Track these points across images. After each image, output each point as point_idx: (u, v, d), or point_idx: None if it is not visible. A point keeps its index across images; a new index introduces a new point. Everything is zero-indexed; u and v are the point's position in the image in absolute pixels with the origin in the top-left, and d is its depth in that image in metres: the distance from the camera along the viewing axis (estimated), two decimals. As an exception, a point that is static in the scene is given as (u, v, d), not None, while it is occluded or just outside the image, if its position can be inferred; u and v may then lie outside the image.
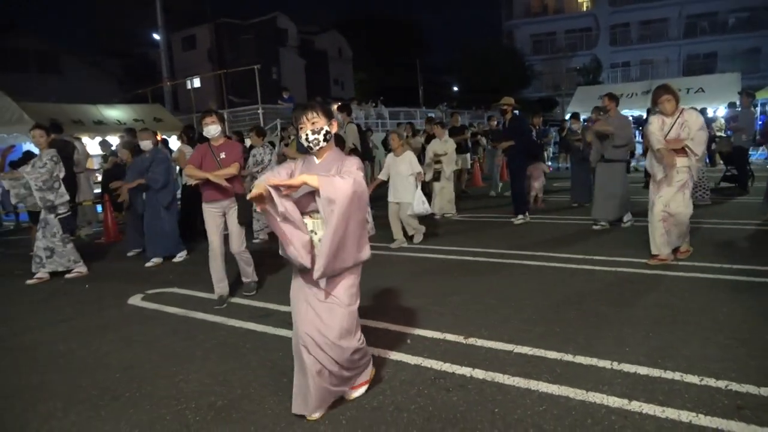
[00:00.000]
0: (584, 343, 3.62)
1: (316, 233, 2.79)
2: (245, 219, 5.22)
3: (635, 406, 2.79)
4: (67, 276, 6.63)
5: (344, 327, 2.82)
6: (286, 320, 4.48)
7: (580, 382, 3.07)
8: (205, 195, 5.11)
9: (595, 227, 7.56)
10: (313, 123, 2.87)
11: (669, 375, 3.10)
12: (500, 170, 12.68)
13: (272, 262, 6.81)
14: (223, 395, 3.21)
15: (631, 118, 10.12)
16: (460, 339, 3.84)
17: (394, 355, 3.61)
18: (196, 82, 30.42)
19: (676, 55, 35.44)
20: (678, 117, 5.35)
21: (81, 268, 6.74)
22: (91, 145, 12.92)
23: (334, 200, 2.57)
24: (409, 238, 7.34)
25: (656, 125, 5.44)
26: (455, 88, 42.42)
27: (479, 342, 3.77)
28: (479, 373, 3.27)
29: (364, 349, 3.01)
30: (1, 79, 20.39)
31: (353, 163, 2.84)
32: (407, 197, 7.00)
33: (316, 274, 2.69)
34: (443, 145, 9.45)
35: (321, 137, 2.88)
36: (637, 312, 4.19)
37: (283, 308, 4.81)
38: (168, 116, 16.02)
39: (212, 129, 5.16)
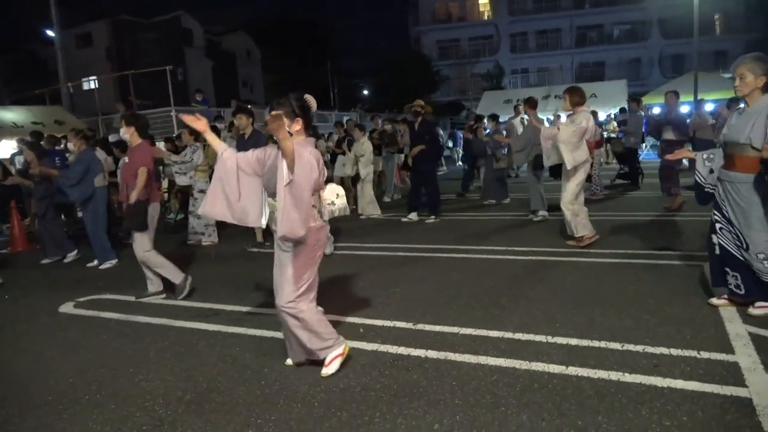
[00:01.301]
0: (520, 322, 4.03)
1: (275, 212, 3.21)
2: (136, 225, 5.12)
3: (572, 371, 3.20)
4: None
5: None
6: (235, 318, 4.58)
7: (523, 355, 3.45)
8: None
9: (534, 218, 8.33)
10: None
11: (596, 344, 3.56)
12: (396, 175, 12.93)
13: (211, 264, 6.80)
14: (190, 390, 3.27)
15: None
16: (409, 325, 4.12)
17: (351, 343, 3.79)
18: (93, 83, 28.75)
19: (569, 63, 38.20)
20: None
21: None
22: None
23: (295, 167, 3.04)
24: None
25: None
26: (366, 92, 43.08)
27: (427, 327, 4.07)
28: (433, 354, 3.57)
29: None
30: None
31: (308, 151, 3.18)
32: None
33: (281, 232, 3.10)
34: (359, 147, 9.75)
35: None
36: (560, 293, 4.68)
37: (229, 307, 4.86)
38: (71, 119, 15.09)
39: (123, 133, 5.38)
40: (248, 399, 3.10)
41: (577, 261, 5.73)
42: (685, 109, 16.76)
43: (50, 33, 20.19)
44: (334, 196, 3.46)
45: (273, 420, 2.86)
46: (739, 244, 3.87)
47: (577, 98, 6.28)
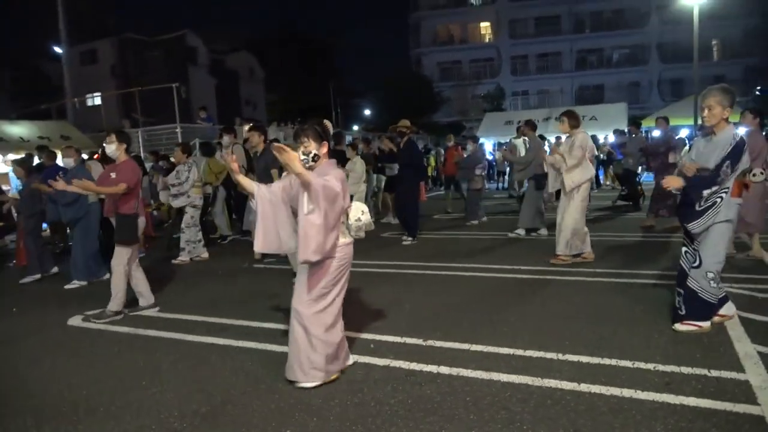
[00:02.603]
0: (530, 339, 4.06)
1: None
2: (127, 237, 5.22)
3: (584, 387, 3.23)
4: None
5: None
6: (244, 332, 4.60)
7: (535, 371, 3.48)
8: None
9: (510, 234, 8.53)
10: (305, 146, 3.39)
11: (606, 361, 3.59)
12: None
13: (217, 280, 6.82)
14: (205, 402, 3.29)
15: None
16: (419, 341, 4.15)
17: (363, 359, 3.84)
18: (98, 100, 28.98)
19: (570, 85, 38.61)
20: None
21: None
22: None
23: (317, 197, 3.19)
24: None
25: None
26: (367, 111, 43.41)
27: (438, 343, 4.10)
28: (445, 369, 3.59)
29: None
30: None
31: (332, 174, 3.32)
32: None
33: (302, 258, 3.30)
34: (351, 165, 9.82)
35: (310, 158, 3.39)
36: (569, 311, 4.72)
37: (237, 322, 4.88)
38: (76, 134, 15.17)
39: (108, 149, 5.39)
40: (263, 412, 3.12)
41: (583, 280, 5.77)
42: (684, 132, 17.03)
43: (57, 49, 20.44)
44: (360, 213, 3.56)
45: (289, 433, 2.88)
46: (692, 260, 4.04)
47: (574, 121, 6.53)
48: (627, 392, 3.13)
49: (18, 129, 14.13)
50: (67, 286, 6.75)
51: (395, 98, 35.07)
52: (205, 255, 8.20)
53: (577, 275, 5.99)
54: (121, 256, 5.22)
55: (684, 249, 4.18)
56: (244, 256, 8.00)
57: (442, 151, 22.36)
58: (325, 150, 3.45)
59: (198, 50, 39.12)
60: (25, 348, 4.55)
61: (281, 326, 4.65)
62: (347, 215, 3.50)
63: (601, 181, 17.53)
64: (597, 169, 15.78)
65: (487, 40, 41.89)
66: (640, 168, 12.18)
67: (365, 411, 3.08)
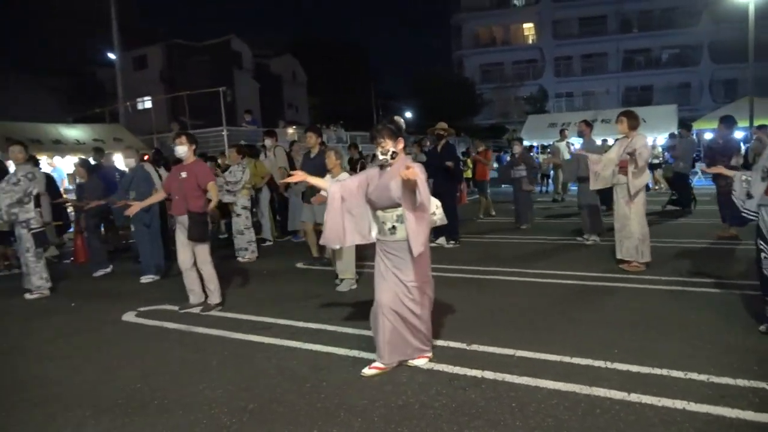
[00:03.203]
0: (576, 347, 3.98)
1: (386, 223, 3.62)
2: (199, 235, 5.37)
3: (634, 397, 3.15)
4: (27, 297, 6.44)
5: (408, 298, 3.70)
6: (289, 332, 4.67)
7: (582, 379, 3.42)
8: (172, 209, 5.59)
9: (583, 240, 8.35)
10: (382, 146, 3.59)
11: (657, 371, 3.49)
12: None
13: (263, 280, 6.95)
14: (252, 400, 3.36)
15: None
16: (463, 345, 4.13)
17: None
18: (147, 103, 29.98)
19: (615, 87, 37.68)
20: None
21: (44, 290, 6.56)
22: (63, 163, 12.74)
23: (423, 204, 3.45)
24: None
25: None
26: (408, 114, 43.42)
27: (482, 348, 4.07)
28: (489, 374, 3.57)
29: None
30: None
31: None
32: None
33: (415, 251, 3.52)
34: None
35: (388, 156, 3.60)
36: (615, 318, 4.61)
37: (281, 321, 4.97)
38: (128, 136, 15.74)
39: (179, 150, 5.52)
40: (309, 411, 3.17)
41: (632, 287, 5.63)
42: (739, 135, 16.38)
43: (111, 56, 21.25)
44: (435, 207, 3.83)
45: (335, 432, 2.92)
46: None
47: (633, 121, 6.32)
48: (679, 404, 3.04)
49: (74, 132, 14.78)
50: (143, 280, 7.14)
51: (436, 101, 34.98)
52: (254, 255, 8.41)
53: (629, 282, 5.83)
54: (204, 252, 5.43)
55: (763, 255, 4.00)
56: (289, 257, 8.13)
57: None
58: (401, 146, 3.62)
59: (243, 55, 39.95)
60: (82, 342, 4.74)
61: (324, 327, 4.72)
62: None
63: (650, 185, 17.03)
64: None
65: (530, 42, 41.34)
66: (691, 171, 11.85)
67: (409, 413, 3.09)
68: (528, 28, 41.60)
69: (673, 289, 5.44)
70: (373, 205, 3.67)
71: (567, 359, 3.76)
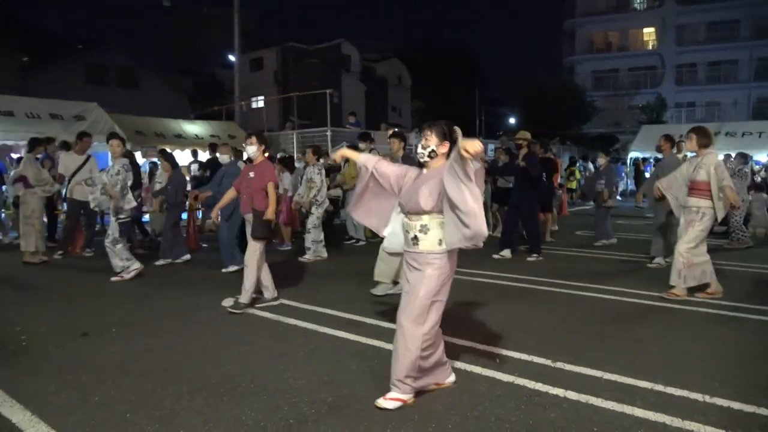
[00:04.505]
0: (672, 376, 3.72)
1: (409, 232, 3.34)
2: (262, 234, 5.53)
3: (733, 436, 2.90)
4: (113, 279, 6.90)
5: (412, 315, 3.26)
6: (375, 331, 4.77)
7: (675, 411, 3.19)
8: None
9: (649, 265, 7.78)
10: (426, 140, 3.36)
11: (764, 411, 3.18)
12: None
13: (355, 277, 7.12)
14: (332, 393, 3.48)
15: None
16: (547, 362, 4.01)
17: (486, 372, 3.81)
18: (260, 103, 31.76)
19: (746, 97, 34.52)
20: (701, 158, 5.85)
21: (135, 266, 6.99)
22: (181, 156, 13.76)
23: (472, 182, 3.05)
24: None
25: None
26: (512, 120, 42.53)
27: (567, 366, 3.92)
28: (572, 395, 3.43)
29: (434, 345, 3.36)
30: (87, 92, 21.89)
31: None
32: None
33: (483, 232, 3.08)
34: None
35: (426, 153, 3.35)
36: (719, 349, 4.27)
37: (369, 320, 5.09)
38: (241, 133, 16.78)
39: (249, 150, 5.76)
40: (385, 410, 3.22)
41: (739, 317, 5.16)
42: None
43: (231, 58, 22.76)
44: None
45: (408, 435, 2.95)
46: None
47: (705, 139, 5.84)
48: (786, 450, 2.76)
49: (194, 128, 16.02)
50: (223, 270, 7.52)
51: (543, 107, 33.96)
52: (325, 255, 8.50)
53: (732, 310, 5.36)
54: (254, 250, 5.55)
55: None
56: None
57: (591, 165, 21.26)
58: (444, 150, 3.33)
59: (351, 58, 41.14)
60: (184, 325, 5.13)
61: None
62: None
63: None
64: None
65: (650, 47, 38.98)
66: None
67: (485, 425, 3.05)
68: (648, 33, 39.25)
69: (794, 324, 4.92)
70: (402, 208, 3.42)
71: (660, 387, 3.53)
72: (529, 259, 8.40)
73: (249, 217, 5.70)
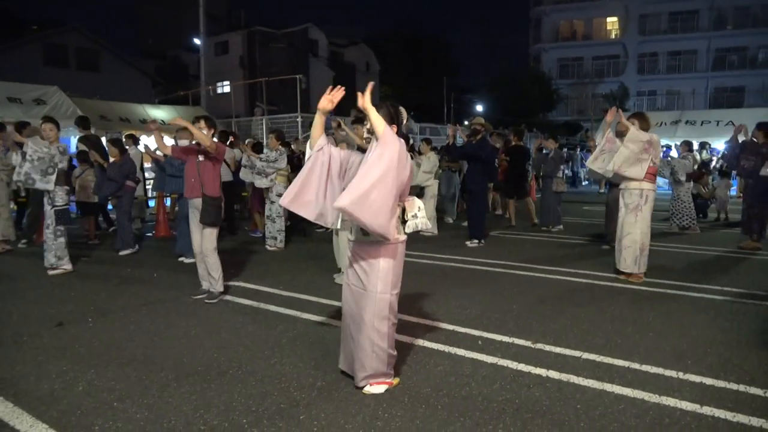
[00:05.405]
0: (646, 354, 3.89)
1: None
2: (212, 220, 5.33)
3: (707, 410, 3.05)
4: (51, 273, 6.55)
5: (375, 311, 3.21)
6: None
7: (652, 388, 3.34)
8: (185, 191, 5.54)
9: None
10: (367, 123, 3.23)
11: (733, 386, 3.36)
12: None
13: (333, 264, 7.12)
14: (321, 378, 3.51)
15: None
16: (527, 344, 4.12)
17: (470, 354, 3.90)
18: (227, 88, 31.16)
19: (704, 87, 35.63)
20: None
21: (66, 266, 6.67)
22: (148, 141, 13.42)
23: (384, 144, 2.97)
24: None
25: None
26: (479, 108, 42.86)
27: (547, 347, 4.05)
28: (554, 374, 3.55)
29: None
30: (45, 74, 21.08)
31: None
32: None
33: (339, 202, 2.89)
34: (425, 159, 9.70)
35: (373, 136, 3.16)
36: (690, 329, 4.45)
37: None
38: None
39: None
40: (375, 393, 3.27)
41: (705, 298, 5.39)
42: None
43: (196, 41, 22.24)
44: (416, 209, 3.28)
45: (399, 416, 3.00)
46: None
47: (645, 124, 6.11)
48: (756, 421, 2.92)
49: (159, 113, 15.64)
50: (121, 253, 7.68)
51: (509, 95, 34.36)
52: (282, 245, 8.40)
53: (699, 291, 5.60)
54: (211, 237, 5.38)
55: None
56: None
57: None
58: (393, 131, 3.12)
59: (319, 43, 40.68)
60: (164, 312, 5.08)
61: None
62: (404, 210, 3.25)
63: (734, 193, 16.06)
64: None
65: (613, 37, 39.74)
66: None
67: (472, 405, 3.13)
68: (612, 22, 40.02)
69: (747, 303, 5.17)
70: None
71: (636, 366, 3.68)
72: (469, 244, 8.48)
73: (197, 202, 5.36)
